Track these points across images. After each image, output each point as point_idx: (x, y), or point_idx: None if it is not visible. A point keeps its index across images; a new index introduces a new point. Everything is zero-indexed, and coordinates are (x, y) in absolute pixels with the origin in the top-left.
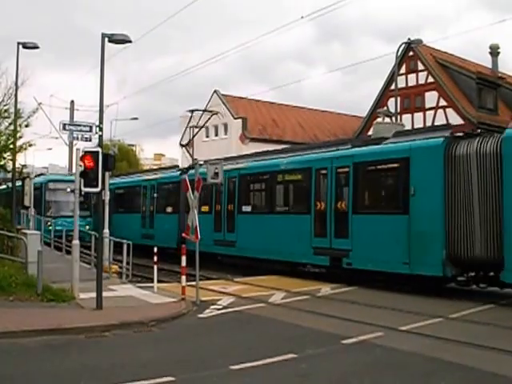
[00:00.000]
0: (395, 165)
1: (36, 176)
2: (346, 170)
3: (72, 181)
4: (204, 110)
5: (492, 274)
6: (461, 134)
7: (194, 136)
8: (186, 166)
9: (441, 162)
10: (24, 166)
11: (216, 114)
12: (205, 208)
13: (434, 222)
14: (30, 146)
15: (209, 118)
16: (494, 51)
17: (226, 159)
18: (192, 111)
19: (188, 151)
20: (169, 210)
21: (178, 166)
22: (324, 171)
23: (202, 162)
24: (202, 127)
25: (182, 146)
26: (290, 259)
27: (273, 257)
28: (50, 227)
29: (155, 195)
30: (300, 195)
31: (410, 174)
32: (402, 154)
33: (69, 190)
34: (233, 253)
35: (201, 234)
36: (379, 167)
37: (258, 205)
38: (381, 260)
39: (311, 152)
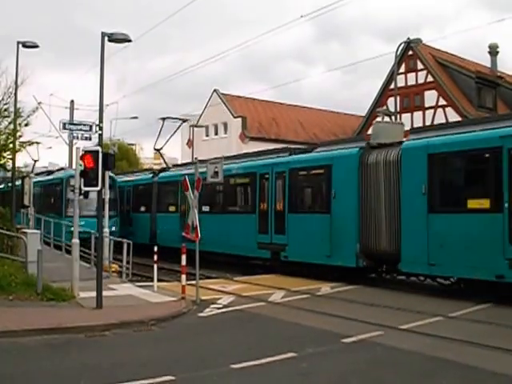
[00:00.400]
0: (321, 171)
1: (56, 171)
2: (284, 174)
3: None
4: (175, 118)
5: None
6: (375, 145)
7: (167, 141)
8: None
9: (355, 169)
10: (36, 161)
11: (186, 121)
12: (172, 208)
13: (349, 221)
14: (32, 144)
15: (179, 126)
16: (493, 50)
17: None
18: (163, 119)
19: (162, 156)
20: (142, 209)
21: (152, 169)
22: (266, 176)
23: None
24: (173, 134)
25: (156, 150)
26: (240, 253)
27: (226, 251)
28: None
29: (132, 196)
30: (247, 197)
31: (332, 179)
32: (325, 162)
33: None
34: (133, 240)
35: (169, 232)
36: (309, 173)
37: (215, 205)
38: (310, 253)
39: (257, 159)
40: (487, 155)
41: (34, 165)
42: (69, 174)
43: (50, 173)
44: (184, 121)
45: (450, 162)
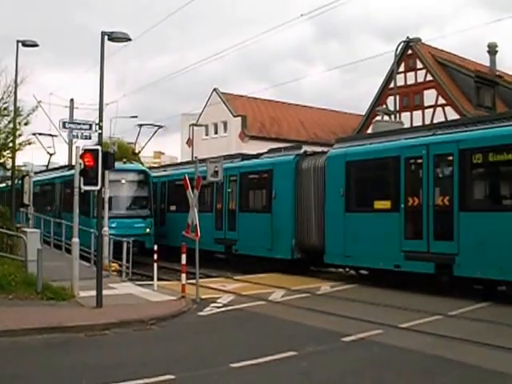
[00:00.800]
0: (264, 175)
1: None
2: (235, 178)
3: (131, 170)
4: (151, 124)
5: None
6: (310, 152)
7: (144, 146)
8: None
9: (292, 174)
10: (52, 154)
11: (162, 127)
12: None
13: (287, 219)
14: (30, 143)
15: (155, 132)
16: (492, 50)
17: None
18: (140, 125)
19: (139, 159)
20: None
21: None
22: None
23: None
24: (149, 139)
25: (134, 154)
26: (201, 247)
27: (189, 246)
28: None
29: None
30: (206, 197)
31: (273, 182)
32: (268, 167)
33: (124, 181)
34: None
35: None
36: (255, 176)
37: (180, 205)
38: (256, 247)
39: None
40: (389, 163)
41: (49, 159)
42: None
43: (70, 167)
44: (160, 127)
45: (362, 169)
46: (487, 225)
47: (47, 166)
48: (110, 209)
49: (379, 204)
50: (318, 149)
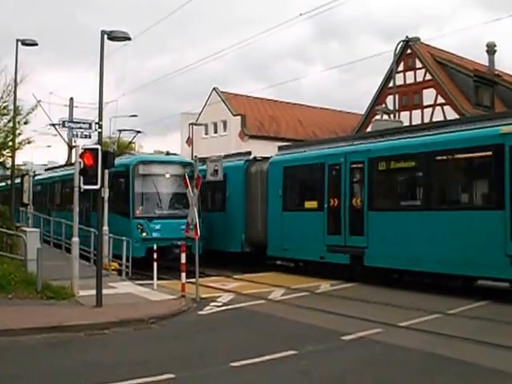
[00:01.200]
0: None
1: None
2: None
3: (177, 162)
4: (130, 130)
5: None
6: (260, 158)
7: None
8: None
9: (242, 177)
10: (74, 147)
11: (140, 132)
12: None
13: (238, 217)
14: (29, 143)
15: (134, 137)
16: (491, 49)
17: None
18: (120, 131)
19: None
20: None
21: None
22: None
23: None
24: (130, 143)
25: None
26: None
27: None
28: (144, 234)
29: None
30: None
31: (227, 184)
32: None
33: (168, 175)
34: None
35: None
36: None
37: None
38: (216, 242)
39: None
40: (317, 169)
41: (69, 153)
42: (137, 159)
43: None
44: (138, 132)
45: (296, 173)
46: (387, 222)
47: (67, 161)
48: (152, 208)
49: (308, 204)
50: None
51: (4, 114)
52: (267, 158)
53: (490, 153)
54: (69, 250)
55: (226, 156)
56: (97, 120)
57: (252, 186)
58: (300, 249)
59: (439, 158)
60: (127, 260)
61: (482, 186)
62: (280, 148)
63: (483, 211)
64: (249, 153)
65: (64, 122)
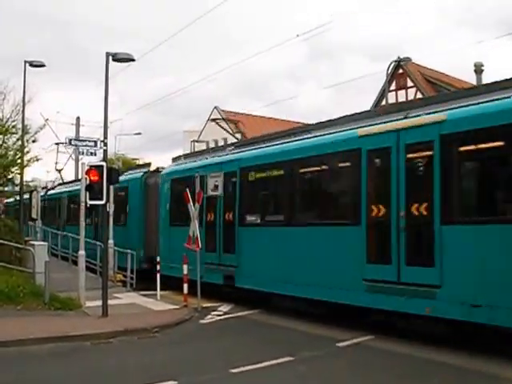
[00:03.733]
0: (123, 191)
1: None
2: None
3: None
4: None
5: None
6: (159, 169)
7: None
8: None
9: (139, 189)
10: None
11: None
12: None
13: (136, 231)
14: (37, 160)
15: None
16: (478, 69)
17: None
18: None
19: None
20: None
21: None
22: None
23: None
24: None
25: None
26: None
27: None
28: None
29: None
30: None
31: (128, 197)
32: (124, 184)
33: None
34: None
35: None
36: (117, 192)
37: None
38: (119, 258)
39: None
40: (192, 181)
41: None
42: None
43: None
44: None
45: (179, 186)
46: (255, 239)
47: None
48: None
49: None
50: None
51: (13, 133)
52: (160, 171)
53: (347, 159)
54: (76, 263)
55: (130, 168)
56: (102, 138)
57: (150, 200)
58: (177, 261)
59: (300, 166)
60: (132, 272)
61: (340, 197)
62: (174, 159)
63: (338, 227)
64: (148, 164)
65: (70, 140)
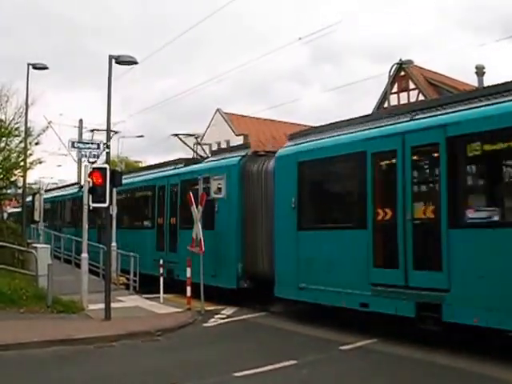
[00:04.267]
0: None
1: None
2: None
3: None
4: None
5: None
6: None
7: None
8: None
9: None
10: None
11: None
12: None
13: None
14: (40, 163)
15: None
16: (480, 71)
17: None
18: (92, 131)
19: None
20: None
21: None
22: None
23: None
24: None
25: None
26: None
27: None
28: None
29: None
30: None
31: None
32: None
33: None
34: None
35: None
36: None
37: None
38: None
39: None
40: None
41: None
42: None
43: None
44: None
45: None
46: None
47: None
48: None
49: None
50: None
51: (16, 136)
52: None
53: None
54: (78, 266)
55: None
56: (105, 141)
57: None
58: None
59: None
60: (135, 275)
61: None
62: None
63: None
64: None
65: (73, 142)
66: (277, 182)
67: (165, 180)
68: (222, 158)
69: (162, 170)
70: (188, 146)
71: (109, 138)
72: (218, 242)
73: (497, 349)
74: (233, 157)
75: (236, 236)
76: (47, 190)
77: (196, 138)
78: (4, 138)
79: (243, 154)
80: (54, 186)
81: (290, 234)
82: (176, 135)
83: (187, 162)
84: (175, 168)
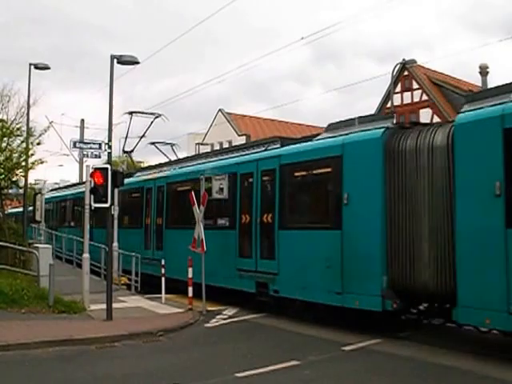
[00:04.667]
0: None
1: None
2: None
3: None
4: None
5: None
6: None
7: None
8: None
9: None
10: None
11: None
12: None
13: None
14: (42, 163)
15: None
16: (483, 71)
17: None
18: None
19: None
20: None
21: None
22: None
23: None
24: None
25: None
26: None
27: None
28: None
29: None
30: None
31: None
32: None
33: None
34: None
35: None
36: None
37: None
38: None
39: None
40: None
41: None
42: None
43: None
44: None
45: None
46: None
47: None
48: None
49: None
50: None
51: (18, 135)
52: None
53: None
54: (80, 266)
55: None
56: (106, 140)
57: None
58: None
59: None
60: (136, 275)
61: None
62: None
63: None
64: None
65: (75, 142)
66: (460, 159)
67: (251, 165)
68: (349, 133)
69: (246, 152)
70: (164, 154)
71: (110, 138)
72: (347, 246)
73: (499, 350)
74: (367, 130)
75: (380, 238)
76: (59, 188)
77: (172, 145)
78: (5, 138)
79: (384, 125)
80: (57, 185)
81: (490, 233)
82: (153, 143)
83: (285, 141)
84: (266, 150)
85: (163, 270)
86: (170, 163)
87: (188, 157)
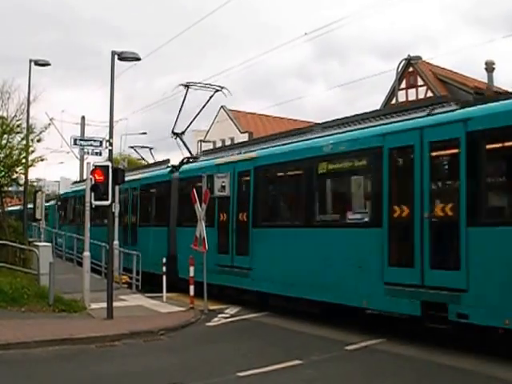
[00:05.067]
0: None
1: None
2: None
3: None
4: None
5: None
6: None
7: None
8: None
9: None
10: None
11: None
12: None
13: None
14: (42, 160)
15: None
16: (489, 67)
17: None
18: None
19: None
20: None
21: None
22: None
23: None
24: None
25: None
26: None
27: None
28: None
29: None
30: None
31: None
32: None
33: None
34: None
35: None
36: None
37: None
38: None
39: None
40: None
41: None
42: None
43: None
44: (150, 149)
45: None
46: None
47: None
48: None
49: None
50: None
51: (18, 132)
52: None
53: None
54: (80, 264)
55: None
56: (107, 137)
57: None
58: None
59: None
60: (137, 273)
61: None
62: None
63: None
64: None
65: (75, 139)
66: None
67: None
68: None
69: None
70: (143, 158)
71: (111, 135)
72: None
73: (502, 349)
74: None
75: None
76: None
77: (150, 149)
78: (5, 135)
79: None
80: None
81: None
82: (132, 147)
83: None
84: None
85: (164, 269)
86: (240, 144)
87: (281, 133)
